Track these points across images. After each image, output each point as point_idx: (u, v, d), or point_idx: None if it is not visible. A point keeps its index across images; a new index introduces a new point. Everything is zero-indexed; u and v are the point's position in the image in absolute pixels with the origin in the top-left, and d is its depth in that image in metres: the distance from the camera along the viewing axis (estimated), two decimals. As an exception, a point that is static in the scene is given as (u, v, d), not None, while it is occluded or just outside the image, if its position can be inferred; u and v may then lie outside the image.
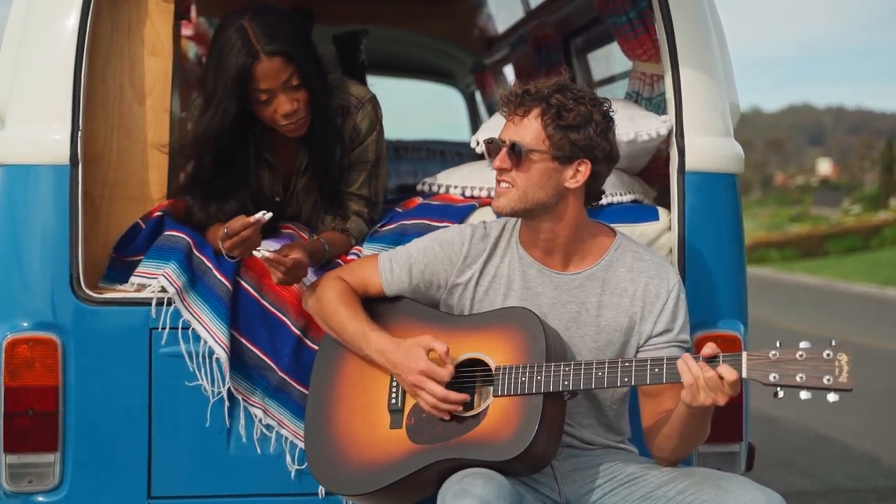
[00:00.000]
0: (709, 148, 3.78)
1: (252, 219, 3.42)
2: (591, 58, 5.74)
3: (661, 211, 3.85)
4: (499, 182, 3.29)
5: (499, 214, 3.32)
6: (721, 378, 2.96)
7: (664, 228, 3.80)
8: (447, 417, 3.18)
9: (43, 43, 3.62)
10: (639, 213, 3.84)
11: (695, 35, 3.82)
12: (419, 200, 3.98)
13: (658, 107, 4.13)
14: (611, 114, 3.29)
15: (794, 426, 9.90)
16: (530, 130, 3.24)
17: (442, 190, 4.02)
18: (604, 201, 3.84)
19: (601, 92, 5.48)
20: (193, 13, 6.06)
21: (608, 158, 3.29)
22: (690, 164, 3.76)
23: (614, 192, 3.88)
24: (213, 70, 3.65)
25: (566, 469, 3.29)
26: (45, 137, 3.55)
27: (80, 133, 3.55)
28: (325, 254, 3.67)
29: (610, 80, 5.38)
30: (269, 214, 3.44)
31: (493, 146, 3.29)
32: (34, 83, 3.61)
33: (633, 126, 3.83)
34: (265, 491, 3.61)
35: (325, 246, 3.67)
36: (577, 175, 3.26)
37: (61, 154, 3.54)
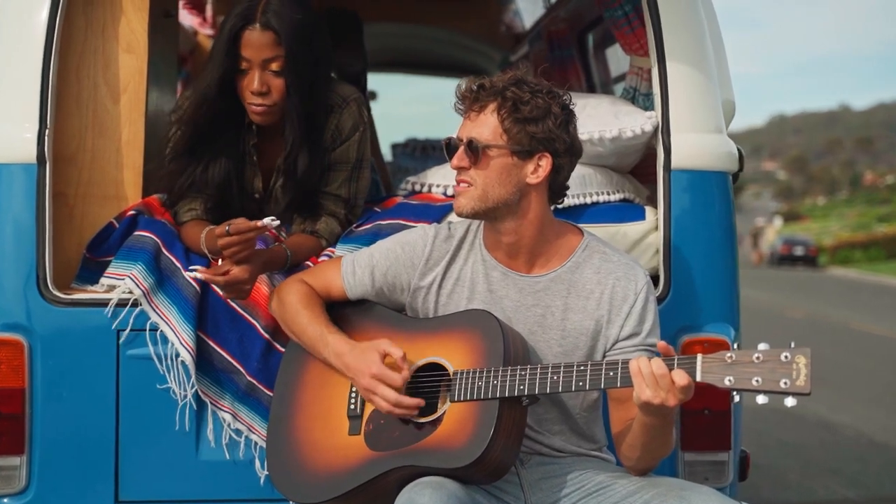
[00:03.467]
0: (697, 145, 3.65)
1: (260, 223, 3.32)
2: (609, 54, 5.60)
3: (649, 210, 3.72)
4: (458, 182, 3.18)
5: (460, 216, 3.20)
6: (673, 380, 2.83)
7: (650, 228, 3.67)
8: (405, 422, 3.08)
9: (14, 40, 3.58)
10: (624, 212, 3.71)
11: (684, 29, 3.69)
12: (399, 199, 3.88)
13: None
14: (570, 106, 3.17)
15: (851, 432, 9.69)
16: (487, 126, 3.13)
17: (424, 189, 3.91)
18: (589, 200, 3.72)
19: (617, 89, 5.36)
20: (210, 12, 6.06)
21: (570, 152, 3.16)
22: (677, 162, 3.63)
23: (601, 190, 3.75)
24: (220, 28, 3.67)
25: (534, 477, 3.18)
26: (16, 136, 3.52)
27: (47, 131, 3.51)
28: (287, 259, 3.58)
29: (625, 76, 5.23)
30: (277, 222, 3.34)
31: (451, 146, 3.19)
32: (6, 81, 3.57)
33: (618, 123, 3.70)
34: (235, 496, 3.54)
35: (286, 252, 3.58)
36: (538, 170, 3.14)
37: (32, 153, 3.50)
